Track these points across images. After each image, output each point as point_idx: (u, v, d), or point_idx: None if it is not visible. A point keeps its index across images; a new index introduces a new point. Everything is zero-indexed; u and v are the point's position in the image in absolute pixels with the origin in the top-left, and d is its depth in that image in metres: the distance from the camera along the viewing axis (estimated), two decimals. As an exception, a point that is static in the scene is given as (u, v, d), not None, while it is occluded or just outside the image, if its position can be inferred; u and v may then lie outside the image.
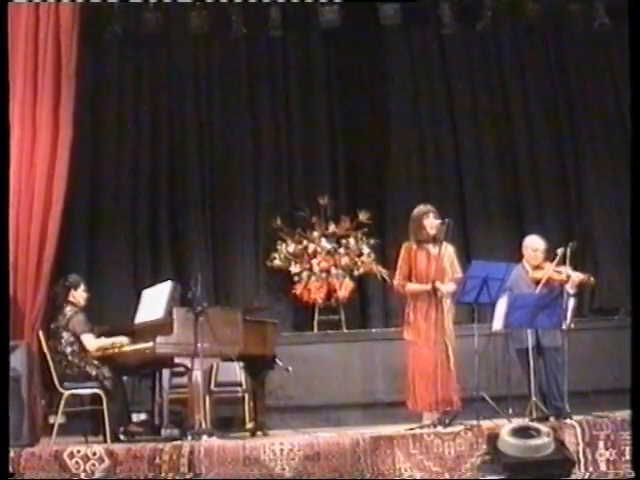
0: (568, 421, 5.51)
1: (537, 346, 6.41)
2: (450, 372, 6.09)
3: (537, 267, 6.62)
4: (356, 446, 5.12)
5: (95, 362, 6.25)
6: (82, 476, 5.03)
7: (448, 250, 6.28)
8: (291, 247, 9.02)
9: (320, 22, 9.48)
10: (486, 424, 5.48)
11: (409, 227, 6.37)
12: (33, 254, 6.28)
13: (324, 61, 9.92)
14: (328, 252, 8.99)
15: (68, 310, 6.35)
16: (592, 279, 6.71)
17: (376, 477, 5.07)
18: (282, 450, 5.09)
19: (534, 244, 6.71)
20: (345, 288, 8.95)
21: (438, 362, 6.04)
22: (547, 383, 6.39)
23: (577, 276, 6.48)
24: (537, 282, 6.49)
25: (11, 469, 4.96)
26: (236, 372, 7.53)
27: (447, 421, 5.71)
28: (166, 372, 6.49)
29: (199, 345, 5.78)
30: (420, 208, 6.36)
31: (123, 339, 6.26)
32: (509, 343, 6.45)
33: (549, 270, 6.45)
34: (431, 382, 6.04)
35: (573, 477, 4.91)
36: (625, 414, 5.29)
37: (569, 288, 6.38)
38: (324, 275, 8.93)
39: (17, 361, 5.73)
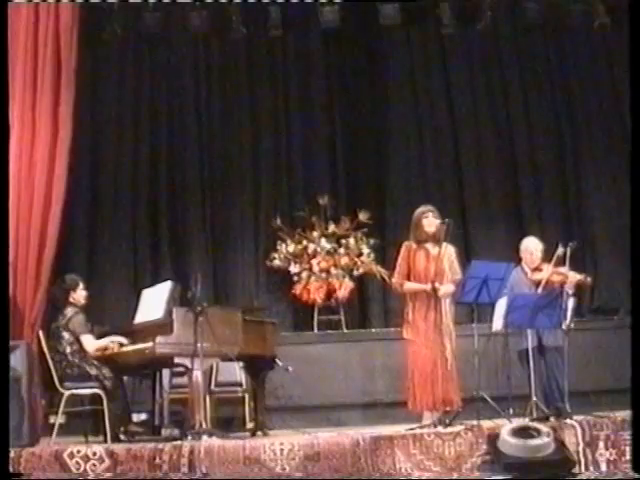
0: (568, 421, 5.51)
1: (539, 346, 6.41)
2: (449, 372, 6.09)
3: (536, 269, 6.63)
4: (356, 446, 5.11)
5: (95, 362, 6.25)
6: (89, 476, 5.03)
7: (448, 250, 6.29)
8: (291, 247, 9.00)
9: (320, 22, 9.47)
10: (486, 424, 5.48)
11: (410, 228, 6.38)
12: (33, 254, 6.29)
13: (324, 61, 9.91)
14: (328, 252, 8.98)
15: (69, 310, 6.34)
16: (589, 279, 6.72)
17: (376, 477, 5.07)
18: (282, 450, 5.08)
19: (529, 247, 6.72)
20: (345, 288, 8.93)
21: (437, 362, 6.05)
22: (548, 383, 6.38)
23: (574, 276, 6.49)
24: (537, 284, 6.50)
25: (11, 469, 4.95)
26: (236, 372, 7.54)
27: (447, 421, 5.71)
28: (166, 372, 6.49)
29: (199, 345, 5.78)
30: (420, 208, 6.39)
31: (121, 338, 6.27)
32: (508, 344, 6.44)
33: (548, 272, 6.45)
34: (430, 382, 6.05)
35: (574, 477, 4.92)
36: (625, 414, 5.29)
37: (567, 288, 6.40)
38: (324, 275, 8.91)
39: (17, 361, 5.73)
